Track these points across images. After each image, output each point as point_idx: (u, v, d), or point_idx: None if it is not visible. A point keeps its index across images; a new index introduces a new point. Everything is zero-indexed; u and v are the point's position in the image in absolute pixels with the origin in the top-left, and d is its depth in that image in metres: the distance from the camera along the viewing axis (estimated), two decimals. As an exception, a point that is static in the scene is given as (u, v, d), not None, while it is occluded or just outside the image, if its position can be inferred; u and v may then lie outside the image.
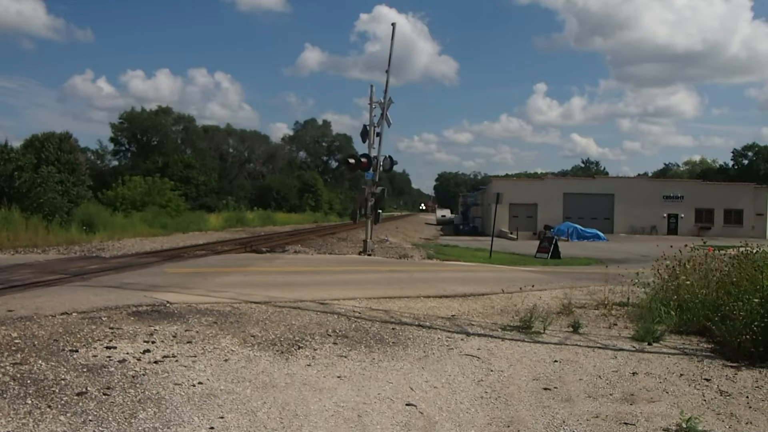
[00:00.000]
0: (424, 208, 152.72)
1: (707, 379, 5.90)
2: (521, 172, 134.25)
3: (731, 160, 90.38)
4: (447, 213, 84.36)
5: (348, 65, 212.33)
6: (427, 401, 5.00)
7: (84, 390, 4.60)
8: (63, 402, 4.34)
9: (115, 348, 5.82)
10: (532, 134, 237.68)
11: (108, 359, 5.44)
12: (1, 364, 5.03)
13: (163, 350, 5.91)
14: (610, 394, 5.36)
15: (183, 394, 4.73)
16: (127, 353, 5.69)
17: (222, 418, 4.32)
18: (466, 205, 72.08)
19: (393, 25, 22.03)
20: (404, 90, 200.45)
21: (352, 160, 21.20)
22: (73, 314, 7.30)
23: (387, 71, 21.46)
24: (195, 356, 5.81)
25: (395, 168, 23.75)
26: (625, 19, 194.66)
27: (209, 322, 7.35)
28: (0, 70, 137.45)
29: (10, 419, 3.98)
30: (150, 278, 11.44)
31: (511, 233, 43.98)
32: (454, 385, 5.48)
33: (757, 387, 5.68)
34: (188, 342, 6.32)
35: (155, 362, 5.49)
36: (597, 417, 4.75)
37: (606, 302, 9.68)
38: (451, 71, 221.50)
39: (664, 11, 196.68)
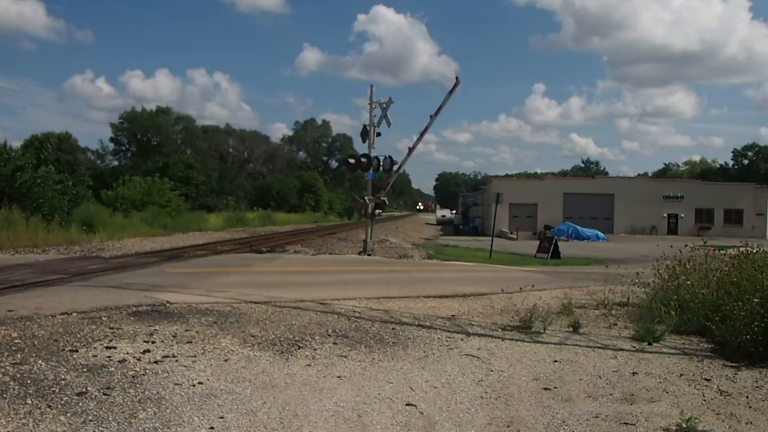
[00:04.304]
0: (421, 207, 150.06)
1: (707, 379, 5.90)
2: (521, 172, 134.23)
3: (731, 160, 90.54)
4: (447, 213, 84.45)
5: (347, 65, 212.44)
6: (427, 401, 5.00)
7: (84, 390, 4.60)
8: (63, 402, 4.34)
9: (115, 348, 5.82)
10: (531, 134, 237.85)
11: (108, 359, 5.45)
12: (1, 364, 5.03)
13: (163, 350, 5.91)
14: (610, 394, 5.36)
15: (183, 394, 4.73)
16: (127, 353, 5.69)
17: (222, 418, 4.32)
18: (466, 205, 72.13)
19: (457, 79, 20.71)
20: (404, 90, 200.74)
21: (352, 161, 21.21)
22: (73, 314, 7.30)
23: (432, 116, 20.70)
24: (195, 356, 5.81)
25: (395, 168, 23.73)
26: (623, 19, 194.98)
27: (209, 322, 7.35)
28: (0, 70, 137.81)
29: (10, 419, 3.98)
30: (150, 278, 11.44)
31: (511, 233, 44.01)
32: (454, 385, 5.48)
33: (757, 387, 5.68)
34: (188, 342, 6.32)
35: (155, 362, 5.49)
36: (597, 417, 4.75)
37: (606, 302, 9.67)
38: (451, 71, 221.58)
39: (661, 11, 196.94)
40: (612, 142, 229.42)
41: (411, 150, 21.63)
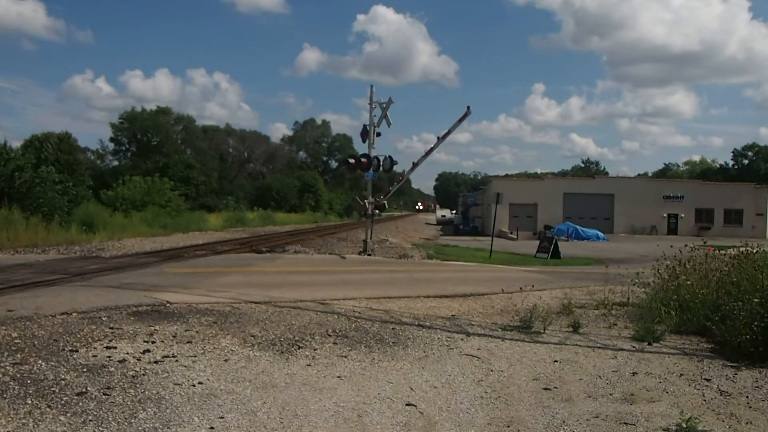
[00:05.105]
0: (420, 207, 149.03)
1: (707, 379, 5.90)
2: (521, 172, 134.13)
3: (731, 160, 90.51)
4: (447, 213, 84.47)
5: (346, 65, 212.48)
6: (427, 401, 5.00)
7: (84, 390, 4.60)
8: (63, 402, 4.34)
9: (115, 348, 5.83)
10: (531, 134, 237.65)
11: (108, 359, 5.45)
12: (1, 364, 5.03)
13: (163, 350, 5.91)
14: (610, 394, 5.36)
15: (183, 394, 4.73)
16: (127, 353, 5.69)
17: (222, 418, 4.32)
18: (466, 205, 72.12)
19: (468, 109, 20.61)
20: (404, 90, 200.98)
21: (352, 161, 21.23)
22: (73, 314, 7.31)
23: (440, 138, 21.07)
24: (195, 356, 5.81)
25: (396, 168, 23.84)
26: (622, 19, 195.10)
27: (209, 322, 7.35)
28: (0, 70, 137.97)
29: (10, 419, 3.98)
30: (150, 278, 11.44)
31: (511, 233, 44.00)
32: (454, 385, 5.48)
33: (757, 387, 5.68)
34: (188, 342, 6.32)
35: (155, 362, 5.49)
36: (597, 417, 4.75)
37: (606, 302, 9.68)
38: (450, 71, 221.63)
39: (661, 11, 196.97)
40: (612, 142, 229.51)
41: (415, 165, 22.20)
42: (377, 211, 21.72)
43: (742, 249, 9.19)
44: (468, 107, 20.83)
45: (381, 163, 20.54)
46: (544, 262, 23.26)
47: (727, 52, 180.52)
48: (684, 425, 4.42)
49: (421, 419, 4.59)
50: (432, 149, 21.61)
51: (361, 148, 22.94)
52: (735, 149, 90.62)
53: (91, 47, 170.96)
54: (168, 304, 8.30)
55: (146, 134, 64.43)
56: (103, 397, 4.51)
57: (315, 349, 6.42)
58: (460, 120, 20.91)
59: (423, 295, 10.47)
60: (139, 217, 31.82)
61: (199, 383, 5.02)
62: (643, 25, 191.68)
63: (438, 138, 21.16)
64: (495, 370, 6.02)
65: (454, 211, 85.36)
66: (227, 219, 43.51)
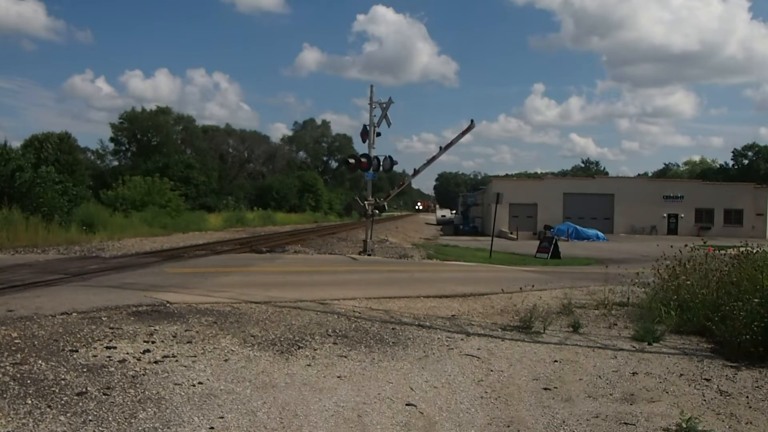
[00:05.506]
0: (420, 207, 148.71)
1: (707, 379, 5.90)
2: (521, 172, 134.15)
3: (731, 160, 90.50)
4: (447, 213, 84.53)
5: (346, 65, 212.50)
6: (427, 401, 5.00)
7: (84, 390, 4.60)
8: (63, 402, 4.34)
9: (115, 348, 5.83)
10: (530, 134, 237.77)
11: (108, 359, 5.45)
12: (1, 364, 5.03)
13: (163, 350, 5.91)
14: (610, 394, 5.36)
15: (183, 394, 4.73)
16: (127, 353, 5.69)
17: (222, 418, 4.32)
18: (466, 205, 72.12)
19: (471, 122, 21.08)
20: (403, 90, 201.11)
21: (352, 161, 21.25)
22: (73, 314, 7.31)
23: (442, 148, 21.57)
24: (195, 356, 5.81)
25: (396, 168, 23.90)
26: (622, 19, 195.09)
27: (209, 322, 7.35)
28: (0, 70, 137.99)
29: (10, 419, 3.98)
30: (150, 278, 11.44)
31: (511, 233, 44.01)
32: (454, 385, 5.47)
33: (757, 387, 5.68)
34: (188, 342, 6.33)
35: (155, 362, 5.49)
36: (597, 417, 4.75)
37: (606, 302, 9.68)
38: (450, 71, 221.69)
39: (661, 11, 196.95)
40: (612, 142, 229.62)
41: (416, 172, 22.81)
42: (377, 212, 21.79)
43: (742, 249, 9.19)
44: (472, 121, 21.31)
45: (381, 163, 20.57)
46: (544, 262, 23.26)
47: (726, 52, 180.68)
48: (684, 425, 4.42)
49: (421, 419, 4.59)
50: (434, 158, 21.89)
51: (361, 148, 23.00)
52: (735, 149, 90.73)
53: (91, 47, 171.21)
54: (168, 304, 8.30)
55: (146, 134, 64.39)
56: (103, 397, 4.51)
57: (315, 349, 6.42)
58: (464, 133, 21.41)
59: (423, 295, 10.47)
60: (139, 217, 31.80)
61: (199, 383, 5.02)
62: (642, 25, 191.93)
63: (440, 148, 21.56)
64: (495, 370, 6.02)
65: (454, 211, 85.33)
66: (227, 219, 43.53)
